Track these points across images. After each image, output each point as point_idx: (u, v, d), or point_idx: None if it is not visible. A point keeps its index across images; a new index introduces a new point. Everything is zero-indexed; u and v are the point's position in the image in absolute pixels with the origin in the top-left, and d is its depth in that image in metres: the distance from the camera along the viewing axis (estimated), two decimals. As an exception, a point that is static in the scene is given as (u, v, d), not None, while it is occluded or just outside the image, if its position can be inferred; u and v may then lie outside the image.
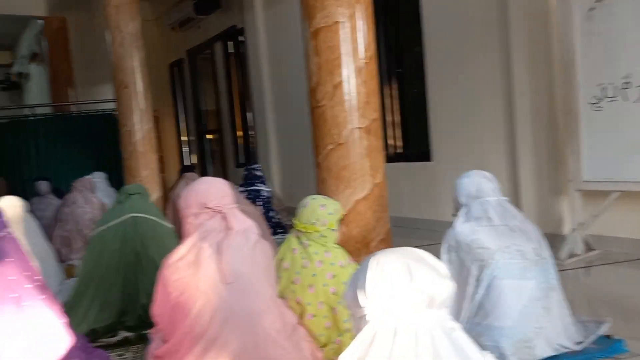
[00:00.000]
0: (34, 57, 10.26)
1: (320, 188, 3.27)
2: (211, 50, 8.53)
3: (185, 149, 10.22)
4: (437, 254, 1.18)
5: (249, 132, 8.14)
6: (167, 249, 3.22)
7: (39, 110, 8.49)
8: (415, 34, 5.40)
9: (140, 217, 3.27)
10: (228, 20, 7.93)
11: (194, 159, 9.83)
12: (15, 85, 12.42)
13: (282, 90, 7.15)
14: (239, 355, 1.89)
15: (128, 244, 3.17)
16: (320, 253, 2.36)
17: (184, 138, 10.23)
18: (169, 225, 3.42)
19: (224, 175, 8.23)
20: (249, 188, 5.77)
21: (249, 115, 8.04)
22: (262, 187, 5.87)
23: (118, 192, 3.43)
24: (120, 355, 2.66)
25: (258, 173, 5.85)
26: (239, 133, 8.40)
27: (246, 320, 1.93)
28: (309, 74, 3.17)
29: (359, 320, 0.97)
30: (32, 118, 8.33)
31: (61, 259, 5.07)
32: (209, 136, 9.50)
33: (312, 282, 2.30)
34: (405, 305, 0.95)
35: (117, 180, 8.26)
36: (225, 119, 8.56)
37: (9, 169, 8.00)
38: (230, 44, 8.16)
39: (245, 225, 2.07)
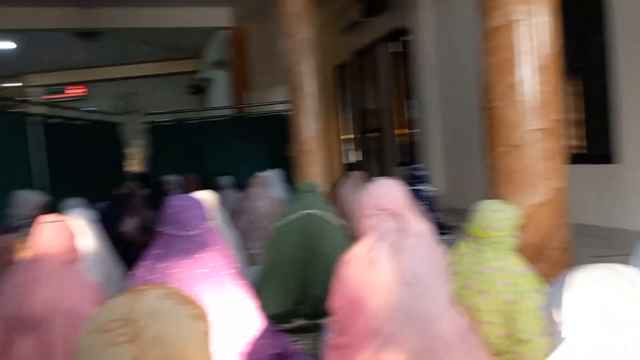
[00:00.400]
0: (218, 64, 11.44)
1: (492, 191, 3.17)
2: (375, 51, 8.70)
3: (348, 148, 10.55)
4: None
5: (411, 131, 8.13)
6: (338, 246, 3.42)
7: (223, 112, 9.43)
8: (597, 23, 4.93)
9: (313, 213, 3.50)
10: (393, 21, 8.01)
11: (357, 157, 10.10)
12: (201, 90, 13.96)
13: (447, 89, 7.03)
14: (415, 356, 1.95)
15: (303, 239, 3.41)
16: (494, 259, 2.31)
17: (347, 137, 10.57)
18: (339, 222, 3.60)
19: (384, 174, 8.33)
20: (409, 189, 5.79)
21: (411, 114, 8.04)
22: (423, 188, 5.86)
23: (294, 189, 3.70)
24: (298, 340, 2.87)
25: (419, 173, 5.85)
26: (400, 132, 8.44)
27: (422, 321, 1.97)
28: (483, 74, 3.09)
29: (554, 337, 0.96)
30: (216, 119, 9.28)
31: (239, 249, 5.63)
32: (370, 135, 9.70)
33: (485, 289, 2.27)
34: (606, 325, 0.92)
35: (287, 176, 8.88)
36: (386, 118, 8.67)
37: (197, 165, 9.03)
38: (393, 44, 8.23)
39: (421, 228, 2.11)
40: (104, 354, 0.72)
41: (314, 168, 6.29)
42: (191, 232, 2.30)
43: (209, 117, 9.49)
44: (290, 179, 8.06)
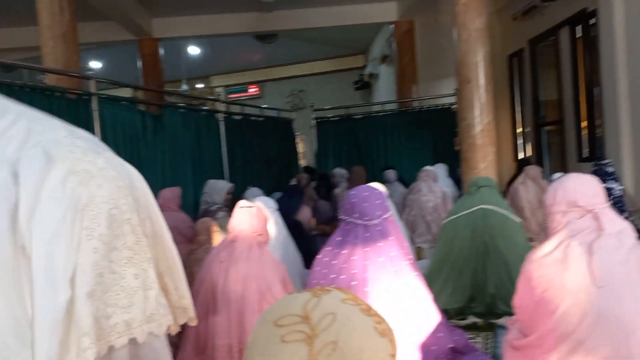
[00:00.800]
0: (383, 58, 11.57)
1: None
2: (555, 37, 8.04)
3: (520, 142, 9.94)
4: None
5: (595, 124, 7.38)
6: (515, 243, 3.27)
7: (387, 107, 9.52)
8: None
9: (490, 209, 3.38)
10: (575, 4, 7.33)
11: (529, 152, 9.47)
12: (366, 85, 14.25)
13: (639, 76, 6.25)
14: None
15: (477, 234, 3.32)
16: None
17: (519, 130, 9.95)
18: (517, 219, 3.44)
19: (564, 170, 7.70)
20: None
21: (595, 105, 7.29)
22: (614, 186, 5.30)
23: (469, 184, 3.61)
24: (470, 338, 2.82)
25: (610, 169, 5.30)
26: (583, 124, 7.71)
27: (619, 327, 1.81)
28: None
29: None
30: (381, 114, 9.41)
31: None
32: (547, 128, 9.01)
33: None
34: None
35: (451, 171, 8.68)
36: (568, 109, 7.97)
37: (364, 159, 9.27)
38: (578, 28, 7.54)
39: (620, 227, 1.93)
40: (275, 349, 0.69)
41: (483, 163, 6.05)
42: (372, 222, 2.39)
43: (374, 112, 9.65)
44: (457, 174, 7.88)
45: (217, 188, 5.77)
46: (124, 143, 5.51)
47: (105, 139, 5.15)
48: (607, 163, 5.31)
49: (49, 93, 4.60)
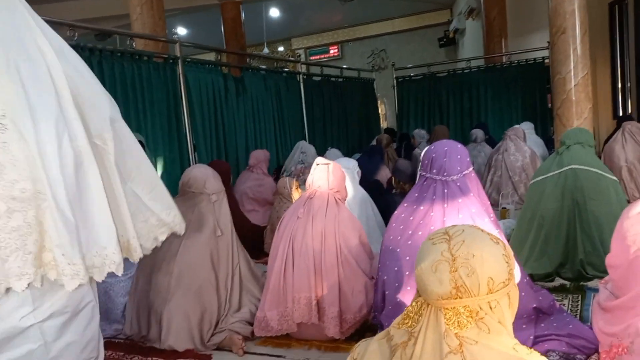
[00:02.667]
0: (470, 12, 10.98)
1: None
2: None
3: (620, 98, 9.16)
4: None
5: None
6: (611, 203, 3.04)
7: (473, 63, 9.07)
8: None
9: (581, 169, 3.15)
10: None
11: (630, 108, 8.72)
12: (451, 42, 13.64)
13: None
14: None
15: (568, 197, 3.11)
16: None
17: (619, 85, 9.16)
18: (613, 177, 3.18)
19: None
20: None
21: None
22: None
23: (560, 140, 3.37)
24: (557, 300, 2.69)
25: None
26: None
27: None
28: None
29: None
30: (467, 71, 9.00)
31: (491, 203, 5.46)
32: (652, 81, 8.22)
33: None
34: None
35: (543, 129, 8.20)
36: (676, 61, 7.21)
37: (447, 119, 8.98)
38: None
39: None
40: (428, 248, 1.07)
41: (578, 120, 5.65)
42: (451, 177, 2.31)
43: (459, 69, 9.25)
44: (550, 133, 7.43)
45: (313, 152, 5.89)
46: (208, 105, 5.70)
47: (190, 101, 5.35)
48: None
49: (137, 57, 4.81)
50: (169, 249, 2.62)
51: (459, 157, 2.35)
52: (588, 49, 5.63)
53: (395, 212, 2.45)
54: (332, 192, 2.65)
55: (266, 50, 13.42)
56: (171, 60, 5.21)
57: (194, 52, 8.78)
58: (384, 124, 13.95)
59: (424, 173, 2.40)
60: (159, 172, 4.91)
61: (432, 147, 2.41)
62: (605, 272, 2.94)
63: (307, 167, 5.59)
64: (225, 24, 9.42)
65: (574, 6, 5.50)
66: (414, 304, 1.09)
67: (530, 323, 2.23)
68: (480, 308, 1.02)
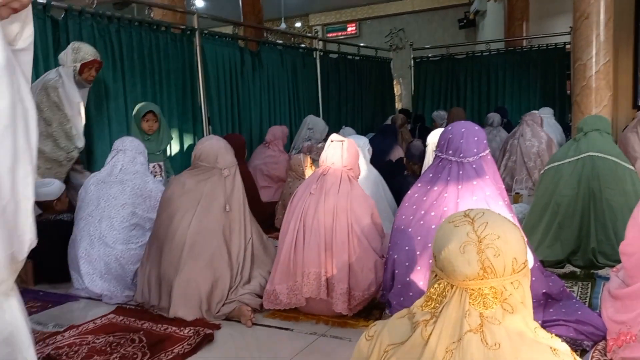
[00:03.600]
0: (491, -6, 10.77)
1: None
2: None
3: (642, 87, 8.98)
4: None
5: None
6: (627, 192, 3.01)
7: (493, 46, 8.93)
8: None
9: (598, 156, 3.11)
10: None
11: (651, 98, 8.55)
12: (472, 23, 13.40)
13: None
14: None
15: (584, 184, 3.08)
16: None
17: (642, 74, 8.96)
18: (631, 166, 3.14)
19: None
20: None
21: None
22: None
23: (578, 127, 3.32)
24: (567, 286, 2.68)
25: None
26: None
27: None
28: None
29: None
30: (486, 53, 8.86)
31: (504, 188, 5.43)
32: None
33: None
34: None
35: (561, 116, 8.08)
36: (702, 50, 7.04)
37: (464, 101, 8.88)
38: None
39: None
40: (451, 232, 1.08)
41: (597, 108, 5.57)
42: (467, 159, 2.29)
43: (478, 51, 9.11)
44: (568, 120, 7.32)
45: (322, 126, 5.83)
46: (224, 78, 5.68)
47: (206, 73, 5.34)
48: None
49: (155, 27, 4.80)
50: (182, 220, 2.65)
51: (476, 138, 2.33)
52: (611, 35, 5.51)
53: (409, 191, 2.45)
54: (345, 170, 2.64)
55: (283, 25, 13.27)
56: (189, 32, 5.19)
57: (212, 24, 8.71)
58: (399, 105, 13.84)
59: (439, 154, 2.39)
60: (173, 143, 4.94)
61: (449, 128, 2.39)
62: (617, 262, 2.93)
63: (314, 144, 5.55)
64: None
65: (599, -10, 5.37)
66: (436, 285, 1.10)
67: (539, 308, 2.23)
68: (505, 288, 1.05)
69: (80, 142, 3.61)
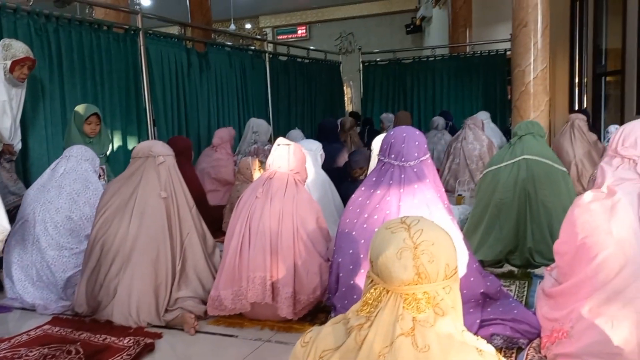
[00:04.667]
0: (437, 1, 11.05)
1: None
2: (625, -21, 7.45)
3: (577, 91, 9.44)
4: None
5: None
6: (560, 193, 3.15)
7: (438, 52, 9.17)
8: None
9: (533, 159, 3.25)
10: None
11: (586, 103, 9.01)
12: (418, 29, 13.73)
13: None
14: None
15: (520, 186, 3.21)
16: None
17: (576, 79, 9.44)
18: (563, 168, 3.29)
19: (622, 123, 7.29)
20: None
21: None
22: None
23: (513, 131, 3.46)
24: (505, 286, 2.78)
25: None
26: (647, 75, 7.20)
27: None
28: None
29: None
30: (431, 59, 9.08)
31: (447, 190, 5.58)
32: (607, 78, 8.50)
33: None
34: None
35: (502, 120, 8.39)
36: (630, 59, 7.46)
37: (411, 104, 9.07)
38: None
39: None
40: (387, 237, 1.11)
41: (535, 112, 5.80)
42: (408, 163, 2.34)
43: (424, 57, 9.34)
44: (508, 124, 7.61)
45: (265, 128, 5.79)
46: (170, 79, 5.57)
47: (151, 74, 5.22)
48: (668, 116, 5.01)
49: (96, 27, 4.65)
50: (120, 223, 2.58)
51: (416, 143, 2.38)
52: (548, 43, 5.76)
53: (353, 195, 2.48)
54: (292, 173, 2.65)
55: (233, 27, 13.17)
56: (132, 32, 5.06)
57: (158, 24, 8.53)
58: (350, 107, 13.98)
59: (382, 158, 2.43)
60: (116, 146, 4.80)
61: (392, 133, 2.44)
62: (552, 260, 3.06)
63: (260, 146, 5.52)
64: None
65: (537, 0, 5.60)
66: (372, 291, 1.12)
67: (478, 307, 2.30)
68: (437, 293, 1.08)
69: (9, 140, 3.45)
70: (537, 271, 3.01)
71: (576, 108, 9.01)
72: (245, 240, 2.53)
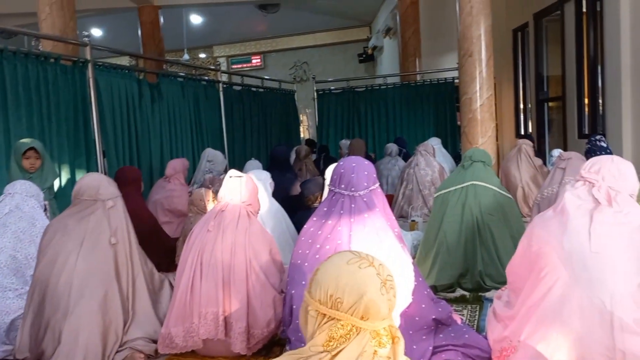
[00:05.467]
0: (387, 31, 11.40)
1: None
2: (561, 12, 7.89)
3: (522, 117, 9.85)
4: None
5: (598, 100, 7.29)
6: (506, 219, 3.27)
7: (390, 80, 9.41)
8: None
9: (481, 185, 3.35)
10: (584, -24, 7.16)
11: (531, 128, 9.40)
12: (370, 58, 14.08)
13: (645, 52, 6.14)
14: (582, 338, 1.81)
15: (468, 211, 3.30)
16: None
17: (521, 105, 9.85)
18: (508, 195, 3.42)
19: (564, 148, 7.65)
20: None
21: (598, 81, 7.19)
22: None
23: (463, 157, 3.57)
24: (457, 311, 2.84)
25: (603, 144, 5.28)
26: (585, 101, 7.61)
27: (597, 301, 1.82)
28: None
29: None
30: (384, 87, 9.31)
31: (402, 215, 5.68)
32: (549, 104, 8.92)
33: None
34: None
35: (452, 146, 8.63)
36: (570, 85, 7.86)
37: (365, 132, 9.23)
38: (583, 3, 7.38)
39: (627, 208, 1.91)
40: (360, 273, 1.08)
41: (483, 138, 6.01)
42: (358, 192, 2.38)
43: (377, 85, 9.56)
44: (458, 149, 7.83)
45: (221, 158, 5.75)
46: (121, 111, 5.48)
47: (100, 105, 5.13)
48: (599, 138, 5.30)
49: (43, 59, 4.55)
50: (65, 262, 2.49)
51: (366, 173, 2.42)
52: (492, 72, 6.01)
53: (305, 226, 2.49)
54: (244, 205, 2.64)
55: (186, 56, 13.15)
56: (81, 63, 4.98)
57: (109, 55, 8.43)
58: (306, 134, 14.09)
59: (333, 188, 2.46)
60: (64, 180, 4.67)
61: (341, 163, 2.48)
62: (502, 283, 3.15)
63: (216, 176, 5.49)
64: (142, 27, 9.14)
65: (480, 31, 5.86)
66: (340, 325, 1.09)
67: (430, 334, 2.33)
68: (393, 325, 1.11)
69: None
70: (488, 294, 3.08)
71: (522, 132, 9.38)
72: (197, 275, 2.49)
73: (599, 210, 1.90)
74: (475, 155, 3.47)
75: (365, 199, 2.37)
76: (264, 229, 2.66)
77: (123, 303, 2.55)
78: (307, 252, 2.38)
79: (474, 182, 3.34)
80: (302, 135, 11.62)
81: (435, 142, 7.12)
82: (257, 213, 2.75)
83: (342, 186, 2.42)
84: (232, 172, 2.72)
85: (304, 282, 2.35)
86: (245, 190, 2.64)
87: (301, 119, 12.55)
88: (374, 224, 2.34)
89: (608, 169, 1.99)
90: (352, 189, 2.40)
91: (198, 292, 2.46)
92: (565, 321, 1.84)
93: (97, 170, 5.01)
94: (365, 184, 2.40)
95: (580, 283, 1.85)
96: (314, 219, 2.46)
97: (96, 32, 12.95)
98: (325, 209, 2.45)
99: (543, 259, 1.96)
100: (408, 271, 2.36)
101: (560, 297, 1.88)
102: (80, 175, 4.90)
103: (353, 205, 2.37)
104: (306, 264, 2.37)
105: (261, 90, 8.85)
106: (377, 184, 2.46)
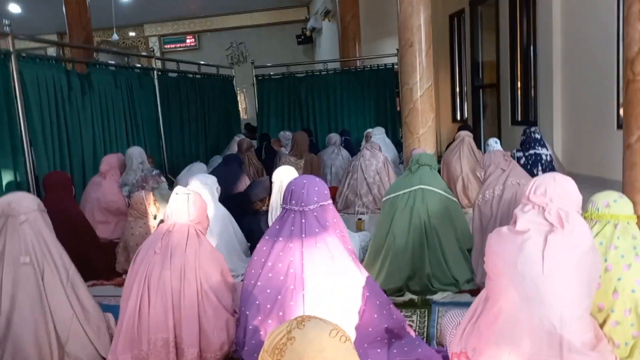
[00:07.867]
0: (326, 13, 11.28)
1: (628, 174, 2.90)
2: (496, -1, 8.08)
3: (459, 103, 10.11)
4: None
5: (530, 88, 7.58)
6: (451, 221, 3.34)
7: (330, 66, 9.31)
8: None
9: (428, 189, 3.41)
10: (518, -35, 7.35)
11: (466, 113, 9.68)
12: (309, 40, 13.92)
13: (573, 46, 6.42)
14: (532, 359, 1.88)
15: (416, 215, 3.34)
16: (628, 256, 2.15)
17: (458, 90, 10.11)
18: (454, 198, 3.50)
19: (498, 134, 7.92)
20: (527, 152, 5.52)
21: (531, 68, 7.46)
22: (542, 151, 5.53)
23: (410, 161, 3.60)
24: (407, 316, 2.89)
25: (537, 136, 5.52)
26: (518, 87, 7.89)
27: (547, 323, 1.89)
28: (628, 42, 2.76)
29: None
30: (324, 73, 9.19)
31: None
32: (484, 89, 9.19)
33: (616, 287, 2.13)
34: None
35: (392, 132, 8.72)
36: (504, 72, 8.12)
37: (306, 118, 9.13)
38: (518, -9, 7.58)
39: (577, 230, 1.97)
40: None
41: (423, 129, 6.09)
42: (308, 207, 2.35)
43: (317, 70, 9.44)
44: (399, 137, 7.93)
45: (137, 151, 5.39)
46: (49, 105, 5.15)
47: (26, 101, 4.79)
48: (534, 130, 5.53)
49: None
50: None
51: (316, 189, 2.39)
52: (432, 62, 6.09)
53: (258, 245, 2.43)
54: (192, 224, 2.53)
55: (116, 36, 12.46)
56: (3, 55, 4.61)
57: (32, 36, 7.82)
58: (244, 116, 13.82)
59: (284, 205, 2.41)
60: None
61: (293, 180, 2.44)
62: (449, 285, 3.24)
63: (148, 174, 5.22)
64: (67, 7, 8.54)
65: (420, 21, 5.88)
66: None
67: (384, 347, 2.36)
68: None
69: None
70: (435, 297, 3.15)
71: (458, 118, 9.64)
72: (145, 299, 2.38)
73: (553, 233, 1.95)
74: (422, 159, 3.52)
75: (315, 214, 2.34)
76: (214, 249, 2.58)
77: (57, 333, 2.37)
78: (260, 271, 2.34)
79: (422, 187, 3.39)
80: (241, 119, 11.37)
81: (378, 132, 7.18)
82: (206, 230, 2.65)
83: (293, 202, 2.38)
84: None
85: (257, 302, 2.31)
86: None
87: (240, 100, 12.29)
88: (324, 240, 2.32)
89: (553, 189, 2.05)
90: (302, 204, 2.36)
91: (146, 318, 2.36)
92: (516, 342, 1.90)
93: (26, 169, 4.71)
94: (316, 198, 2.36)
95: (532, 304, 1.91)
96: (266, 237, 2.41)
97: (14, 8, 12.02)
98: (277, 226, 2.41)
99: (497, 276, 2.01)
100: (363, 284, 2.36)
101: (512, 317, 1.94)
102: (7, 176, 4.60)
103: (303, 221, 2.33)
104: (259, 283, 2.33)
105: (198, 76, 8.57)
106: (330, 202, 2.43)
